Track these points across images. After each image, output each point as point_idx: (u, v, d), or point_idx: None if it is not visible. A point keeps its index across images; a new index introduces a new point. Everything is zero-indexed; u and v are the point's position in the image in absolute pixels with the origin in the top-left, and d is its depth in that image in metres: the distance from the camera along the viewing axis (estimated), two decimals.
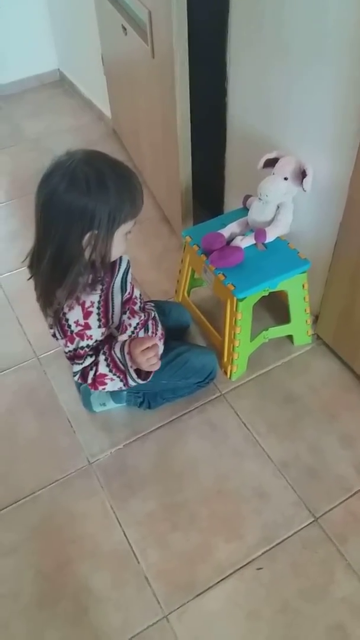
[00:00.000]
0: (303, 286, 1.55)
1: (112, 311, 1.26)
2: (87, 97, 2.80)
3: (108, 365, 1.25)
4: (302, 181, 1.38)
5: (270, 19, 1.35)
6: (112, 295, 1.24)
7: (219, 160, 1.88)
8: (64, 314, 1.17)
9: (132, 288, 1.32)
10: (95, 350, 1.26)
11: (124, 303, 1.28)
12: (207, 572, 1.27)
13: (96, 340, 1.24)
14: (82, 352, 1.23)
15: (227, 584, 1.25)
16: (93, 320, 1.20)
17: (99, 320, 1.22)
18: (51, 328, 1.26)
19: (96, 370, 1.25)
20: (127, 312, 1.30)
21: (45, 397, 1.62)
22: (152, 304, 1.48)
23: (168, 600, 1.24)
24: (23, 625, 1.22)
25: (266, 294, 1.50)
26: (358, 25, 1.12)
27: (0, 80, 2.90)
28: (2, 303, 1.89)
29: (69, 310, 1.17)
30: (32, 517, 1.38)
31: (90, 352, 1.25)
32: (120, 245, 1.13)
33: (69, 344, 1.21)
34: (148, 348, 1.20)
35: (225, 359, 1.61)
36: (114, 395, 1.52)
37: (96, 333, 1.22)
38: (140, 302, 1.38)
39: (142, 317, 1.35)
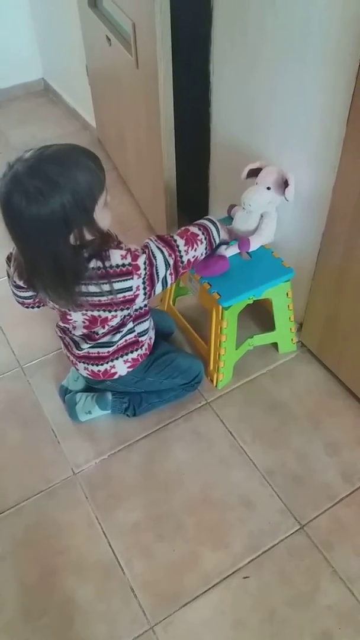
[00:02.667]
0: (287, 294, 1.56)
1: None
2: (72, 107, 2.80)
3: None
4: (284, 191, 1.40)
5: (253, 29, 1.37)
6: None
7: (204, 169, 1.89)
8: (110, 266, 1.15)
9: None
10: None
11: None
12: (193, 581, 1.27)
13: (146, 245, 1.23)
14: (150, 267, 1.21)
15: (214, 593, 1.25)
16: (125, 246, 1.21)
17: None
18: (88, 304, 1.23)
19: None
20: None
21: (29, 407, 1.61)
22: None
23: (154, 611, 1.23)
24: (7, 638, 1.20)
25: (251, 302, 1.50)
26: (340, 36, 1.14)
27: None
28: None
29: (108, 259, 1.15)
30: (16, 528, 1.36)
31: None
32: (104, 215, 1.14)
33: (138, 272, 1.18)
34: None
35: (212, 367, 1.61)
36: (99, 401, 1.52)
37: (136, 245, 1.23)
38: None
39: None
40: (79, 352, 1.39)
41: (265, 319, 1.69)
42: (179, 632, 1.20)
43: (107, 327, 1.32)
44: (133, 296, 1.22)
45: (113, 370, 1.42)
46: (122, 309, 1.26)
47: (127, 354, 1.41)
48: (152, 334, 1.48)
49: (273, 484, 1.42)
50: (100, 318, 1.29)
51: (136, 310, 1.35)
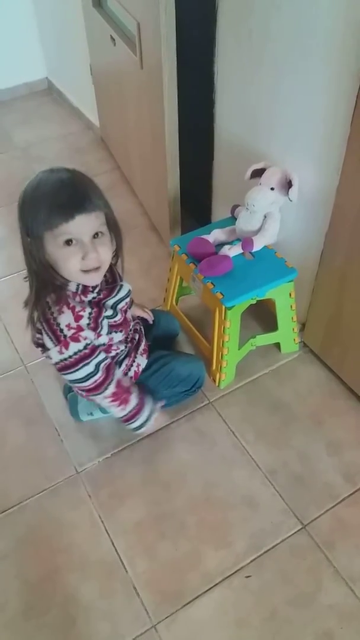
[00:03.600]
0: (290, 294, 1.56)
1: (101, 321, 1.24)
2: (76, 106, 2.81)
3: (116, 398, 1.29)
4: (288, 191, 1.40)
5: (258, 30, 1.38)
6: (104, 308, 1.24)
7: (207, 169, 1.90)
8: (55, 318, 1.17)
9: (124, 319, 1.30)
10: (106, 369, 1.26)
11: (110, 325, 1.28)
12: (196, 580, 1.27)
13: (91, 343, 1.21)
14: (76, 357, 1.20)
15: (216, 592, 1.25)
16: (84, 323, 1.19)
17: (89, 324, 1.20)
18: (38, 340, 1.25)
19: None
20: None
21: (32, 406, 1.61)
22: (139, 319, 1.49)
23: (156, 609, 1.23)
24: (10, 636, 1.21)
25: (254, 302, 1.51)
26: (343, 38, 1.14)
27: None
28: None
29: (59, 314, 1.16)
30: (19, 526, 1.37)
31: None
32: (63, 259, 1.10)
33: (63, 349, 1.18)
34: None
35: (214, 367, 1.61)
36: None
37: (90, 335, 1.20)
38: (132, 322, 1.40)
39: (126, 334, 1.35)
40: None
41: (268, 319, 1.70)
42: (181, 631, 1.20)
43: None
44: (44, 355, 1.25)
45: (91, 397, 1.34)
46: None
47: (101, 392, 1.27)
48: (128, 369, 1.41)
49: (275, 483, 1.42)
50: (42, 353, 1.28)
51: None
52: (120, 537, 1.34)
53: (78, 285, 1.18)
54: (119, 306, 1.27)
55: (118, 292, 1.26)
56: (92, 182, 1.12)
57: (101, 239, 1.12)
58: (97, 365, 1.23)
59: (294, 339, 1.69)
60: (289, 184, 1.40)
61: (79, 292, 1.19)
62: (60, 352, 1.19)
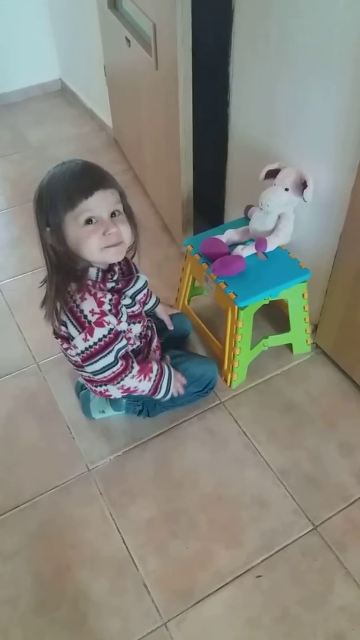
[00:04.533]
0: (303, 295, 1.56)
1: (121, 308, 1.26)
2: (89, 107, 2.83)
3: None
4: (303, 192, 1.40)
5: (275, 32, 1.38)
6: (123, 296, 1.28)
7: (221, 170, 1.90)
8: (77, 306, 1.18)
9: (140, 312, 1.35)
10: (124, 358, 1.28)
11: (128, 315, 1.30)
12: (206, 579, 1.27)
13: (114, 328, 1.22)
14: (101, 344, 1.21)
15: (226, 591, 1.25)
16: (106, 308, 1.20)
17: (110, 309, 1.21)
18: (62, 332, 1.26)
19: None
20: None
21: (45, 403, 1.62)
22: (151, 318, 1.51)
23: (167, 607, 1.24)
24: (21, 631, 1.22)
25: (267, 302, 1.51)
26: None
27: (3, 88, 2.93)
28: (2, 309, 1.90)
29: (82, 301, 1.18)
30: (31, 522, 1.37)
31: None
32: (85, 238, 1.13)
33: (88, 336, 1.19)
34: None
35: (226, 367, 1.61)
36: (114, 403, 1.53)
37: (113, 320, 1.21)
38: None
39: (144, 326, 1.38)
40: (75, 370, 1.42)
41: (280, 320, 1.70)
42: (192, 629, 1.20)
43: (71, 358, 1.31)
44: (69, 346, 1.25)
45: (107, 393, 1.39)
46: (62, 346, 1.29)
47: (119, 381, 1.30)
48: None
49: (287, 484, 1.42)
50: (62, 346, 1.30)
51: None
52: (131, 534, 1.35)
53: (97, 273, 1.21)
54: (137, 297, 1.31)
55: (135, 282, 1.30)
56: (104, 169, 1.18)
57: (119, 217, 1.16)
58: (117, 354, 1.24)
59: (307, 340, 1.69)
60: (303, 185, 1.40)
61: (99, 280, 1.21)
62: (86, 340, 1.20)
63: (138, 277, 1.33)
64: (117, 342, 1.23)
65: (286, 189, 1.43)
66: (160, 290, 1.90)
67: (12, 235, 2.19)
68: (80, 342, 1.21)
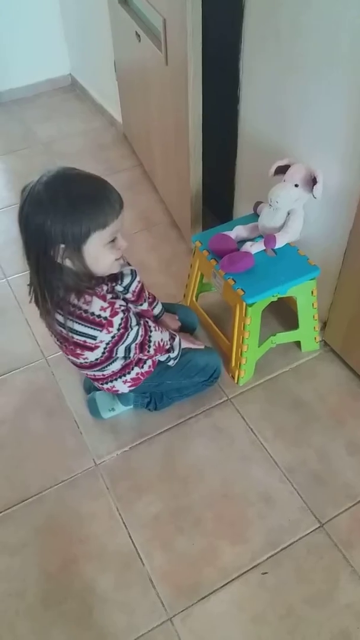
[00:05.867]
0: (312, 293, 1.55)
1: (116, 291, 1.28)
2: (99, 102, 2.82)
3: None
4: (312, 188, 1.39)
5: (286, 27, 1.37)
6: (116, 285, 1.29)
7: (230, 166, 1.90)
8: (86, 311, 1.18)
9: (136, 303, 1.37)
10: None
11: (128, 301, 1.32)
12: (212, 575, 1.27)
13: (125, 306, 1.23)
14: (122, 326, 1.22)
15: (232, 587, 1.26)
16: (109, 297, 1.21)
17: (112, 296, 1.22)
18: (70, 339, 1.24)
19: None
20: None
21: (52, 398, 1.63)
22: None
23: (172, 602, 1.24)
24: (28, 624, 1.23)
25: (275, 299, 1.50)
26: None
27: (13, 83, 2.94)
28: (11, 304, 1.91)
29: (88, 305, 1.17)
30: (38, 516, 1.38)
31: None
32: (103, 255, 1.13)
33: (110, 328, 1.20)
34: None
35: (233, 364, 1.61)
36: (122, 397, 1.53)
37: (120, 301, 1.23)
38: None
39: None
40: (81, 370, 1.42)
41: (289, 317, 1.69)
42: (197, 624, 1.21)
43: (81, 360, 1.31)
44: (93, 346, 1.25)
45: (115, 389, 1.43)
46: (75, 351, 1.27)
47: (124, 374, 1.40)
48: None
49: (293, 481, 1.42)
50: (68, 349, 1.29)
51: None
52: (138, 530, 1.35)
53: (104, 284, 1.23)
54: (131, 288, 1.31)
55: (122, 279, 1.28)
56: None
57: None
58: (136, 317, 1.28)
59: (315, 338, 1.68)
60: (313, 181, 1.39)
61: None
62: (109, 332, 1.21)
63: (122, 272, 1.29)
64: (131, 314, 1.26)
65: (296, 185, 1.42)
66: (168, 287, 1.91)
67: None
68: (105, 336, 1.22)
